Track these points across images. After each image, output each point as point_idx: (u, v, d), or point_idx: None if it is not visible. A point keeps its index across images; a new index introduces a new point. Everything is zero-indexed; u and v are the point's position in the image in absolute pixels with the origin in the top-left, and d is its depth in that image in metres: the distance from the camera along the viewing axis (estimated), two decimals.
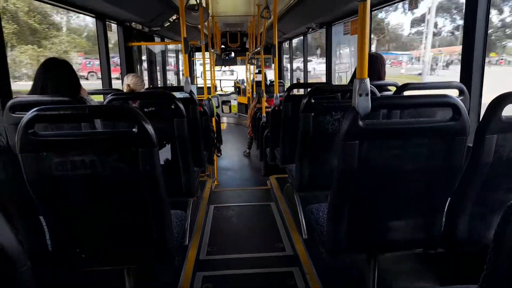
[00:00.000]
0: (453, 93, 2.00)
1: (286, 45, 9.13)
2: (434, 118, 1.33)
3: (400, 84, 2.18)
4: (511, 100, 1.30)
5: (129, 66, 4.53)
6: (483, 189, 1.37)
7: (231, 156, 6.50)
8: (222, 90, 10.87)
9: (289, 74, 8.96)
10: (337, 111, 2.14)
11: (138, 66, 5.65)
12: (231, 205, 3.50)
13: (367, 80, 1.27)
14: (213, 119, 4.51)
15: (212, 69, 5.49)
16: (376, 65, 2.52)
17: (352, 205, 1.39)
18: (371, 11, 3.52)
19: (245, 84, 9.42)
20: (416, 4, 2.65)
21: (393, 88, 2.37)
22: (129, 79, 3.22)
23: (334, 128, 2.16)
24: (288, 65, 9.02)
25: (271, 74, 10.01)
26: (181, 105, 1.99)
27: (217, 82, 10.36)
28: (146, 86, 3.98)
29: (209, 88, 4.93)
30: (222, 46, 9.04)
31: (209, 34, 7.30)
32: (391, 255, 2.15)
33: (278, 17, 4.97)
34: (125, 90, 3.19)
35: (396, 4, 3.13)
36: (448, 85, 2.02)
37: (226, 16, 6.73)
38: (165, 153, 2.04)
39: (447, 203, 1.46)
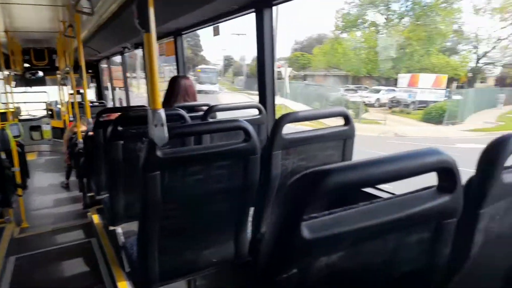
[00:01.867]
0: (255, 111, 2.25)
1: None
2: (230, 141, 1.43)
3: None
4: (289, 120, 1.52)
5: None
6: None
7: (45, 189, 5.60)
8: (30, 115, 9.31)
9: (110, 94, 8.40)
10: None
11: None
12: (40, 252, 2.98)
13: (162, 111, 1.27)
14: (14, 151, 3.79)
15: (11, 91, 4.62)
16: (183, 87, 2.61)
17: (161, 235, 1.38)
18: (180, 35, 3.64)
19: (58, 106, 8.32)
20: (218, 31, 2.87)
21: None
22: None
23: None
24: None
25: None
26: None
27: (22, 106, 8.80)
28: None
29: (4, 114, 4.12)
30: (26, 65, 7.75)
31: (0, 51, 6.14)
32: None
33: (88, 35, 4.59)
34: None
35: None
36: (249, 106, 2.24)
37: (26, 32, 5.80)
38: None
39: (252, 214, 1.60)
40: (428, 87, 17.35)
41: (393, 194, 0.79)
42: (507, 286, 1.10)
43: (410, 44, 19.47)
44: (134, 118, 1.98)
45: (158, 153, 1.25)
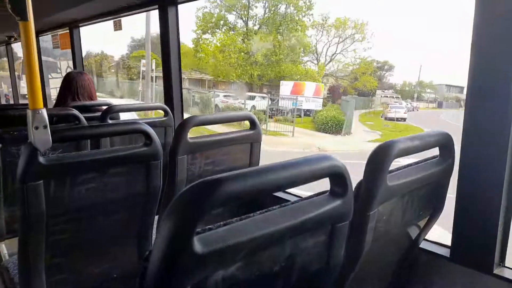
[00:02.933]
0: (160, 113, 2.14)
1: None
2: (129, 145, 1.32)
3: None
4: (195, 123, 1.47)
5: None
6: None
7: None
8: None
9: None
10: None
11: None
12: None
13: (44, 111, 1.11)
14: None
15: None
16: (79, 84, 2.36)
17: (48, 253, 1.20)
18: (77, 28, 3.31)
19: None
20: (120, 26, 2.68)
21: None
22: None
23: None
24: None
25: None
26: None
27: None
28: None
29: None
30: None
31: None
32: None
33: None
34: None
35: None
36: (153, 107, 2.13)
37: None
38: None
39: (156, 224, 1.50)
40: (310, 96, 17.93)
41: (299, 197, 0.80)
42: (395, 279, 1.22)
43: (274, 52, 20.33)
44: (14, 118, 1.72)
45: (41, 159, 1.09)
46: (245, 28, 21.33)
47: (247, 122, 1.68)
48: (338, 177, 0.74)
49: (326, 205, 0.74)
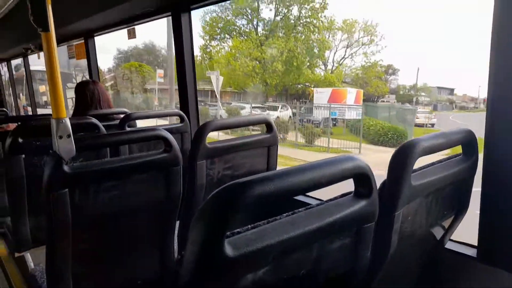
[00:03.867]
0: (175, 120, 2.16)
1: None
2: (149, 152, 1.33)
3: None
4: (212, 128, 1.47)
5: None
6: None
7: None
8: None
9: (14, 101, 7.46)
10: None
11: None
12: None
13: (67, 120, 1.13)
14: None
15: None
16: (95, 93, 2.40)
17: (74, 261, 1.22)
18: (91, 37, 3.38)
19: None
20: (134, 34, 2.72)
21: None
22: None
23: None
24: None
25: None
26: None
27: None
28: None
29: None
30: None
31: None
32: None
33: None
34: None
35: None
36: (170, 113, 2.15)
37: None
38: None
39: (177, 230, 1.51)
40: (352, 103, 15.75)
41: (320, 200, 0.80)
42: (421, 280, 1.19)
43: (294, 57, 19.07)
44: (36, 128, 1.76)
45: (65, 168, 1.11)
46: (257, 33, 20.44)
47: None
48: (362, 177, 0.74)
49: (352, 206, 0.73)
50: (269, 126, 1.66)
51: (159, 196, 1.35)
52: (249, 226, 0.62)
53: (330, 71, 20.70)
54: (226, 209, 0.55)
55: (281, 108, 16.98)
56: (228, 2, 20.90)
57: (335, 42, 20.74)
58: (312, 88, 18.68)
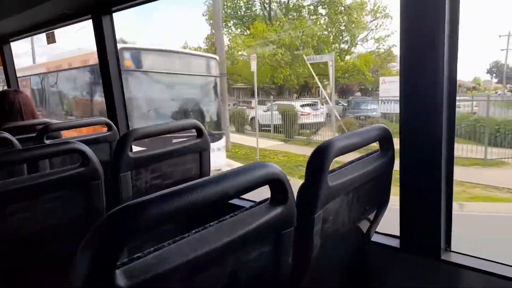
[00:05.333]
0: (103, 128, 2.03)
1: None
2: (64, 167, 1.22)
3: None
4: (136, 136, 1.39)
5: None
6: None
7: None
8: None
9: None
10: None
11: None
12: None
13: None
14: None
15: None
16: (15, 103, 2.18)
17: None
18: (7, 43, 3.08)
19: None
20: (53, 39, 2.52)
21: None
22: None
23: None
24: None
25: None
26: None
27: None
28: None
29: None
30: None
31: None
32: None
33: None
34: None
35: None
36: (96, 122, 2.01)
37: None
38: None
39: None
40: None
41: (254, 201, 0.77)
42: (351, 273, 1.22)
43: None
44: None
45: None
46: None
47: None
48: (277, 184, 0.73)
49: (268, 213, 0.72)
50: (199, 131, 1.61)
51: (80, 214, 1.25)
52: (152, 249, 0.57)
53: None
54: (116, 236, 0.50)
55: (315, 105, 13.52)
56: None
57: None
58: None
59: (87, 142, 1.64)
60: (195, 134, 1.65)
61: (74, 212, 1.24)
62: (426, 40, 1.06)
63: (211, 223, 0.66)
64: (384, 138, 1.08)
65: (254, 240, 0.71)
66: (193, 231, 0.63)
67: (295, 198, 0.78)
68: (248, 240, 0.69)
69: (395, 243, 1.23)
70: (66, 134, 2.32)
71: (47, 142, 1.77)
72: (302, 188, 0.86)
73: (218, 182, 0.62)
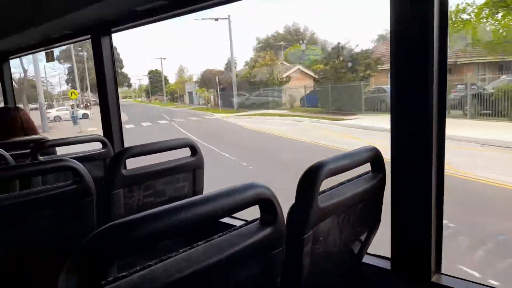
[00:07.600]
0: (97, 145, 2.04)
1: None
2: (56, 184, 1.22)
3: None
4: (129, 154, 1.40)
5: None
6: None
7: None
8: None
9: None
10: None
11: None
12: None
13: None
14: None
15: None
16: (16, 121, 2.23)
17: None
18: (6, 60, 3.12)
19: None
20: (52, 57, 2.56)
21: None
22: None
23: None
24: None
25: None
26: None
27: None
28: None
29: None
30: None
31: None
32: None
33: None
34: None
35: None
36: (90, 139, 2.01)
37: None
38: None
39: None
40: None
41: (245, 220, 0.78)
42: None
43: None
44: None
45: None
46: None
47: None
48: (266, 204, 0.73)
49: (257, 234, 0.72)
50: (193, 150, 1.63)
51: (71, 232, 1.24)
52: (138, 268, 0.57)
53: None
54: (101, 255, 0.50)
55: None
56: None
57: None
58: None
59: (82, 159, 1.65)
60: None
61: (65, 229, 1.23)
62: (414, 46, 1.04)
63: (199, 243, 0.66)
64: (376, 160, 1.09)
65: (243, 260, 0.71)
66: (181, 250, 0.63)
67: (285, 218, 0.78)
68: (236, 260, 0.69)
69: (386, 264, 1.23)
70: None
71: (41, 158, 1.78)
72: (292, 209, 0.87)
73: (207, 202, 0.63)
